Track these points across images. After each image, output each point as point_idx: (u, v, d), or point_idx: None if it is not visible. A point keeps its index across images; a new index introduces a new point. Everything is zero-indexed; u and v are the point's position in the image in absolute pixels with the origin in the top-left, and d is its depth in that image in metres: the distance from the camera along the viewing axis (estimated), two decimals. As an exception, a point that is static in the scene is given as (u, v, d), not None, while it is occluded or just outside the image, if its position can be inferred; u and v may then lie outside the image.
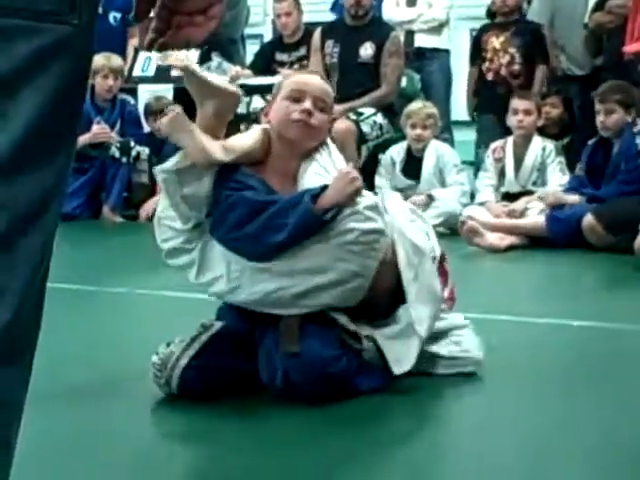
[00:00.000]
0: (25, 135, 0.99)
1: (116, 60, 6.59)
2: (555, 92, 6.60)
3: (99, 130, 6.47)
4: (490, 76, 6.78)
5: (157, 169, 2.42)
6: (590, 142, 5.54)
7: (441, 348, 2.58)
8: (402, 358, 2.43)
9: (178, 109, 2.40)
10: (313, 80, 2.58)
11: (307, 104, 2.48)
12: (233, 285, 2.42)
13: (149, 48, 1.21)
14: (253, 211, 2.36)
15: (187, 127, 2.37)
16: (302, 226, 2.32)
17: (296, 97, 2.51)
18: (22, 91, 0.99)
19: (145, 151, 6.64)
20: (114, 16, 7.34)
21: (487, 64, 6.79)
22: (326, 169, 2.49)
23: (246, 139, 2.52)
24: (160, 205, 2.53)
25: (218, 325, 2.47)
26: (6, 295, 1.01)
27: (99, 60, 6.30)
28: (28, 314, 1.04)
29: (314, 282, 2.35)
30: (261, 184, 2.45)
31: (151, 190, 6.69)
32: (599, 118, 5.34)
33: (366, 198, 2.43)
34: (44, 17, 0.98)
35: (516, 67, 6.72)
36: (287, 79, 2.60)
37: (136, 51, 7.54)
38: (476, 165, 6.67)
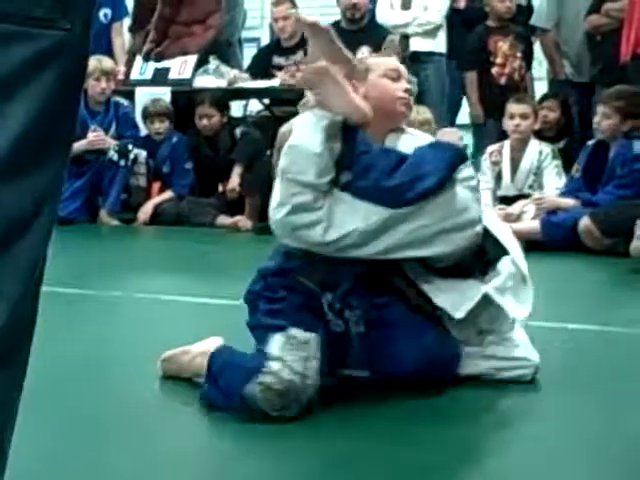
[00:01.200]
0: (20, 139, 1.00)
1: (107, 62, 6.57)
2: (553, 95, 6.61)
3: (95, 137, 6.48)
4: (503, 81, 6.79)
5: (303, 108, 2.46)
6: (589, 143, 5.56)
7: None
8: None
9: (325, 63, 2.39)
10: (398, 62, 2.76)
11: (406, 84, 2.65)
12: (369, 237, 2.39)
13: (147, 58, 1.22)
14: (398, 161, 2.41)
15: (338, 80, 2.39)
16: (451, 169, 2.40)
17: (394, 77, 2.64)
18: (17, 96, 0.99)
19: (142, 154, 6.64)
20: (105, 13, 7.35)
21: (498, 69, 6.80)
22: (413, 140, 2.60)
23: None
24: (286, 158, 2.41)
25: (312, 336, 2.36)
26: (0, 299, 1.01)
27: (91, 63, 6.25)
28: (23, 318, 1.05)
29: (452, 221, 2.40)
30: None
31: (148, 193, 6.71)
32: (595, 119, 5.37)
33: None
34: (37, 23, 0.99)
35: (523, 72, 6.78)
36: (370, 60, 2.75)
37: (133, 54, 7.54)
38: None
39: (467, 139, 7.33)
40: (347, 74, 2.49)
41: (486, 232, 2.50)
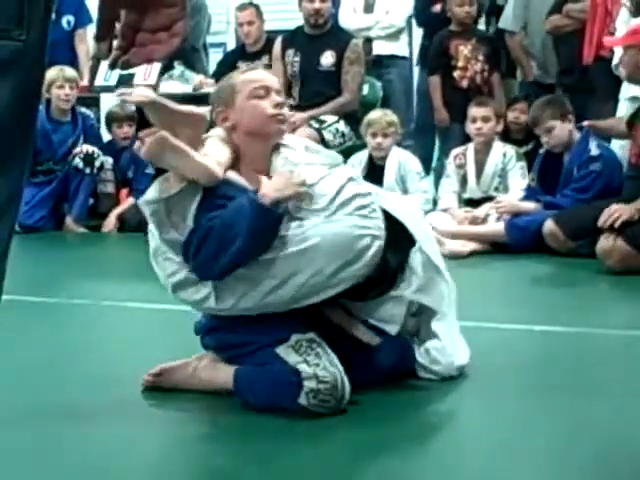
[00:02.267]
0: None
1: (70, 71, 6.54)
2: (524, 98, 6.64)
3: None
4: (465, 84, 6.81)
5: (142, 202, 2.33)
6: (540, 151, 5.60)
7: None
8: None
9: (163, 132, 2.27)
10: (265, 75, 2.58)
11: (277, 98, 2.51)
12: (266, 295, 2.35)
13: (113, 66, 1.22)
14: (205, 233, 2.31)
15: (179, 147, 2.29)
16: (255, 226, 2.28)
17: (261, 95, 2.50)
18: None
19: (109, 160, 6.63)
20: (67, 20, 7.31)
21: (459, 72, 6.83)
22: (294, 161, 2.49)
23: (220, 150, 2.47)
24: (152, 241, 2.42)
25: (312, 333, 2.39)
26: None
27: (52, 72, 6.27)
28: None
29: (342, 259, 2.33)
30: (243, 190, 2.41)
31: (116, 199, 6.68)
32: (543, 139, 5.41)
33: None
34: None
35: (485, 75, 6.81)
36: (234, 80, 2.52)
37: (97, 60, 7.50)
38: (437, 173, 6.71)
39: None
40: (198, 129, 2.40)
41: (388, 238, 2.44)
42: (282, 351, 2.35)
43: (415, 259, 2.57)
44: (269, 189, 2.34)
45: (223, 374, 2.48)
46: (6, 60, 1.00)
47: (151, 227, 2.40)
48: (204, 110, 2.44)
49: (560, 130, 5.34)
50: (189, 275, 2.38)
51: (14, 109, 1.02)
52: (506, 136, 6.18)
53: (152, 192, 2.33)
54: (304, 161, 2.49)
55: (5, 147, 1.02)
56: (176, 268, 2.39)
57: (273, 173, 2.47)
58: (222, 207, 2.34)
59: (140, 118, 6.67)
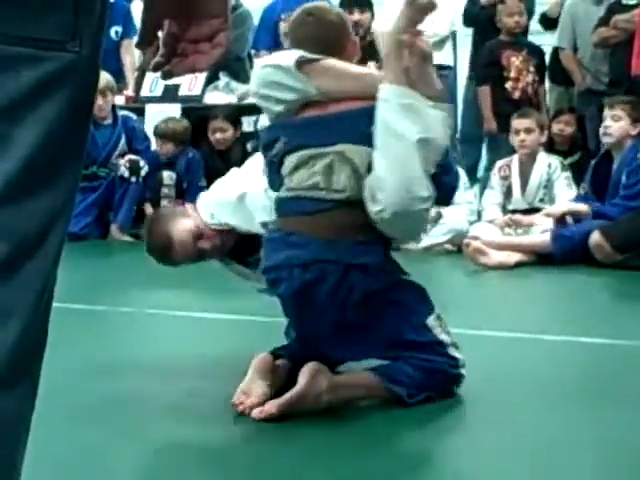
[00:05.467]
0: (29, 162, 1.00)
1: (102, 80, 6.55)
2: (569, 110, 6.61)
3: None
4: (517, 95, 6.80)
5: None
6: (592, 162, 5.56)
7: None
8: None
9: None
10: None
11: None
12: None
13: (155, 71, 1.22)
14: None
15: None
16: None
17: None
18: (26, 119, 0.99)
19: (172, 175, 6.64)
20: (116, 31, 7.38)
21: (511, 83, 6.82)
22: None
23: None
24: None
25: None
26: (11, 319, 1.02)
27: None
28: (34, 336, 1.05)
29: None
30: None
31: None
32: (604, 123, 5.36)
33: None
34: (47, 45, 0.99)
35: (535, 86, 6.81)
36: None
37: (143, 71, 7.52)
38: (483, 184, 6.69)
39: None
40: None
41: None
42: (430, 324, 2.50)
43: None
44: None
45: (359, 377, 2.51)
46: (60, 72, 1.00)
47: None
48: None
49: (624, 125, 5.29)
50: None
51: (69, 122, 1.03)
52: (550, 147, 6.14)
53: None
54: None
55: (58, 161, 1.03)
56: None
57: None
58: None
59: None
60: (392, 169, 2.40)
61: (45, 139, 1.00)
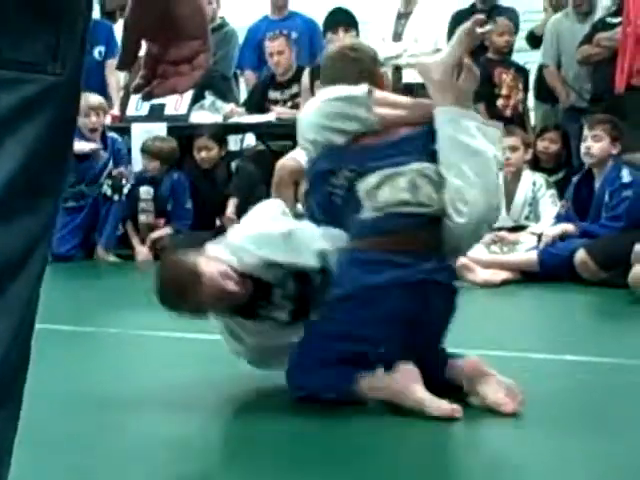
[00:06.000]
0: (9, 185, 0.99)
1: (94, 98, 6.51)
2: (554, 127, 6.64)
3: None
4: (508, 112, 6.83)
5: None
6: (574, 179, 5.58)
7: None
8: None
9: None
10: None
11: None
12: None
13: (136, 92, 1.22)
14: None
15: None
16: None
17: None
18: (6, 142, 0.99)
19: (150, 191, 6.62)
20: (99, 51, 7.39)
21: (503, 101, 6.85)
22: None
23: None
24: None
25: None
26: None
27: None
28: (16, 360, 1.05)
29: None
30: None
31: (154, 229, 6.66)
32: (585, 144, 5.37)
33: None
34: (29, 68, 0.99)
35: (524, 104, 6.86)
36: None
37: (128, 90, 7.58)
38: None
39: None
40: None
41: None
42: None
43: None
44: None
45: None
46: (42, 94, 1.00)
47: None
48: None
49: (605, 146, 5.30)
50: None
51: (50, 143, 1.02)
52: (535, 165, 6.16)
53: None
54: None
55: (39, 182, 1.03)
56: None
57: None
58: None
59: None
60: (473, 183, 2.63)
61: (26, 163, 1.00)
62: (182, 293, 2.64)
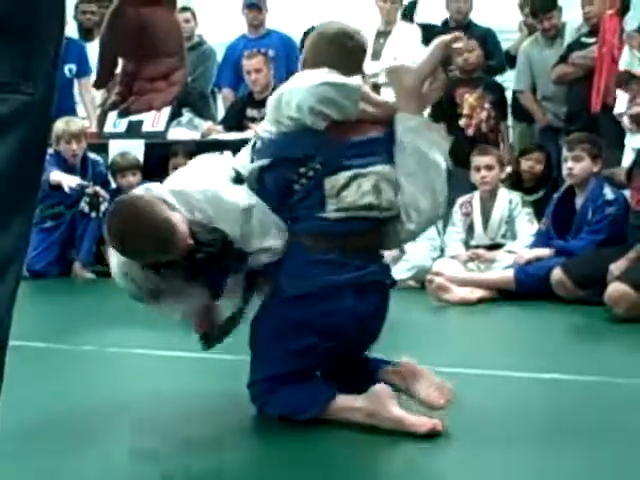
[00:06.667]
0: None
1: (75, 124, 6.50)
2: (538, 147, 6.67)
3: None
4: (470, 132, 6.85)
5: None
6: (555, 196, 5.60)
7: None
8: None
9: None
10: None
11: None
12: None
13: (112, 109, 1.22)
14: None
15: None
16: None
17: None
18: None
19: None
20: (69, 68, 7.37)
21: (465, 120, 6.87)
22: None
23: None
24: None
25: None
26: None
27: (59, 126, 6.29)
28: None
29: None
30: None
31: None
32: (566, 165, 5.39)
33: None
34: (0, 88, 0.99)
35: (492, 122, 6.85)
36: None
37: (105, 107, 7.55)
38: (444, 220, 6.73)
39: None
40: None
41: None
42: None
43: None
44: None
45: None
46: (14, 113, 1.00)
47: None
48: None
49: (586, 165, 5.32)
50: None
51: (21, 163, 1.02)
52: (518, 184, 6.18)
53: None
54: None
55: (10, 201, 1.02)
56: None
57: None
58: None
59: (150, 166, 6.71)
60: (425, 192, 2.71)
61: None
62: (161, 247, 2.49)
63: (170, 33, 1.15)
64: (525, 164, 6.33)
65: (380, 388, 2.58)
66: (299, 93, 2.66)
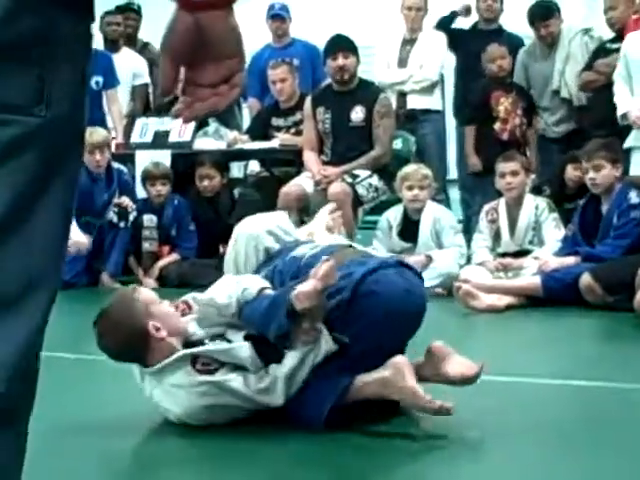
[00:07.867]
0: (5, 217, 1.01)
1: (98, 135, 6.41)
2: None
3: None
4: (505, 136, 6.84)
5: None
6: (580, 202, 5.57)
7: None
8: None
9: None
10: None
11: None
12: None
13: (176, 118, 1.22)
14: None
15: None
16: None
17: None
18: None
19: (153, 219, 6.62)
20: (96, 80, 7.41)
21: (500, 124, 6.86)
22: None
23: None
24: None
25: None
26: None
27: None
28: (21, 387, 1.05)
29: None
30: None
31: (158, 257, 6.66)
32: (588, 175, 5.36)
33: None
34: (13, 110, 1.00)
35: (524, 128, 6.86)
36: None
37: (132, 117, 7.60)
38: (465, 225, 6.75)
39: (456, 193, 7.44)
40: None
41: None
42: None
43: None
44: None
45: None
46: (26, 135, 1.01)
47: None
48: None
49: (608, 172, 5.30)
50: None
51: (34, 184, 1.03)
52: (561, 191, 6.12)
53: None
54: None
55: (27, 222, 1.04)
56: None
57: None
58: None
59: (177, 176, 6.73)
60: None
61: (14, 202, 1.01)
62: (135, 357, 2.91)
63: (229, 34, 1.14)
64: (573, 173, 6.15)
65: (400, 358, 2.64)
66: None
